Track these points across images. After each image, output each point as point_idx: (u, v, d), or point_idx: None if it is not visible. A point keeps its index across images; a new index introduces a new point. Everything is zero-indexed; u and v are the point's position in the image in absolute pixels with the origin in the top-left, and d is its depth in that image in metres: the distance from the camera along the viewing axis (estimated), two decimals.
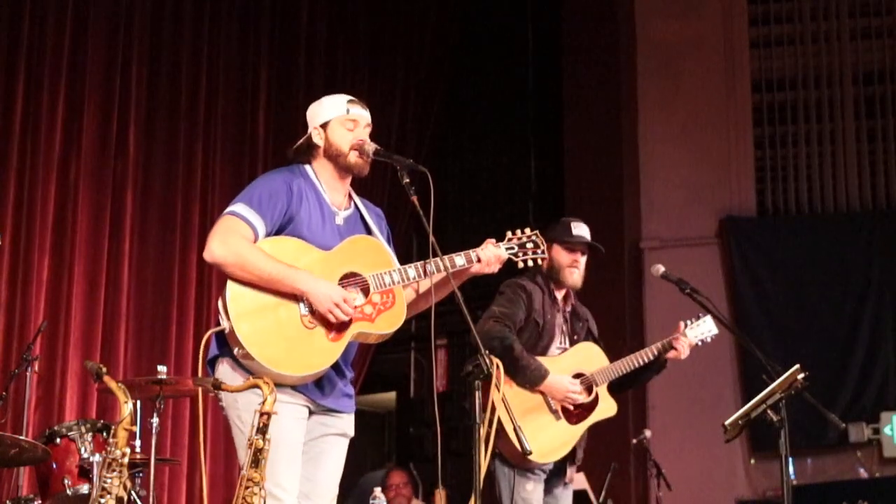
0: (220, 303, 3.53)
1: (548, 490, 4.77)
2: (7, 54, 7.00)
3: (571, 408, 4.76)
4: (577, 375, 4.82)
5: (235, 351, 3.49)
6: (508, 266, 3.87)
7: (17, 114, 6.98)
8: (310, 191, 3.68)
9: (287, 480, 3.47)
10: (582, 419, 4.78)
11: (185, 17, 7.97)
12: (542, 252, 3.86)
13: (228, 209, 3.60)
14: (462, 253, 3.73)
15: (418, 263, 3.67)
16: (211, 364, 3.63)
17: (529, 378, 4.66)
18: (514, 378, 4.65)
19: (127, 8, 7.59)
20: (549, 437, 4.67)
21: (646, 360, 4.89)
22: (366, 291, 3.59)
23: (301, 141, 3.80)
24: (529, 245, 3.85)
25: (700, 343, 4.98)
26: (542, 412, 4.69)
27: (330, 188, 3.74)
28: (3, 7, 6.99)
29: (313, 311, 3.50)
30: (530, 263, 3.86)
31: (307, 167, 3.76)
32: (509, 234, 3.86)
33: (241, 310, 3.46)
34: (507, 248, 3.82)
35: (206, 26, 8.08)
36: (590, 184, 9.58)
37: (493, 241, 3.81)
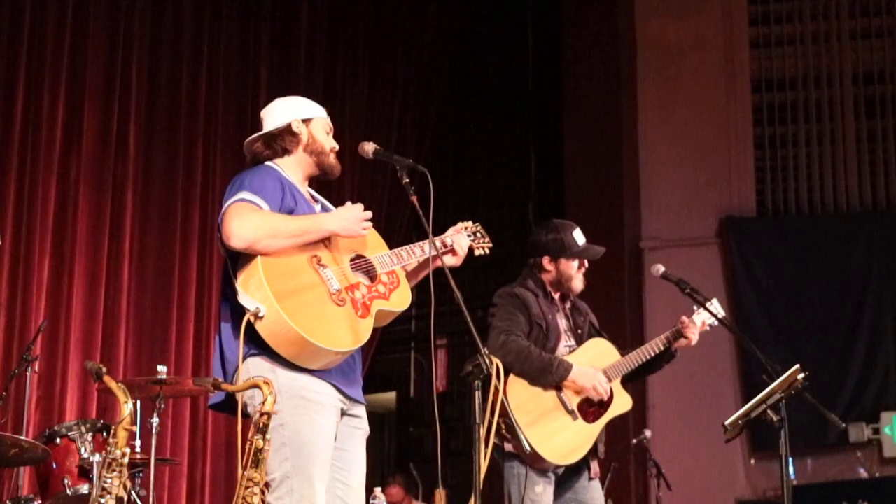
0: (243, 288, 3.43)
1: (567, 488, 4.72)
2: (7, 54, 7.00)
3: (590, 405, 4.73)
4: None
5: (271, 336, 3.39)
6: (495, 275, 3.97)
7: (17, 114, 6.98)
8: (292, 186, 3.69)
9: (322, 487, 3.46)
10: (599, 416, 4.73)
11: (185, 17, 7.97)
12: (489, 242, 4.10)
13: (233, 198, 3.48)
14: (439, 238, 3.88)
15: (408, 246, 3.80)
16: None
17: (556, 374, 4.61)
18: (538, 379, 4.61)
19: (127, 8, 7.59)
20: (568, 438, 4.63)
21: (656, 352, 4.86)
22: (373, 274, 3.66)
23: (277, 129, 3.74)
24: (479, 235, 4.08)
25: (709, 328, 4.96)
26: (558, 414, 4.64)
27: (300, 185, 3.75)
28: (3, 7, 7.00)
29: (340, 289, 3.51)
30: (486, 252, 4.07)
31: (273, 165, 3.73)
32: (461, 224, 4.05)
33: (279, 289, 3.39)
34: (468, 235, 4.02)
35: (206, 26, 8.09)
36: (590, 184, 9.58)
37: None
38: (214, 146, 8.00)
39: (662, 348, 4.87)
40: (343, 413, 3.60)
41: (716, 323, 4.93)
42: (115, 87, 7.45)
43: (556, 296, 4.89)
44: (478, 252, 4.06)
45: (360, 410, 3.70)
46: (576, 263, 4.84)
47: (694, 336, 4.88)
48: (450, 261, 3.85)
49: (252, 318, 3.37)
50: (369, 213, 3.64)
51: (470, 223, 4.08)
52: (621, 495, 8.08)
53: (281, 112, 3.80)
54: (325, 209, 3.81)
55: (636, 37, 9.35)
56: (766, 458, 8.23)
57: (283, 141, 3.75)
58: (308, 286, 3.48)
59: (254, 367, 3.43)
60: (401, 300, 3.71)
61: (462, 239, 3.96)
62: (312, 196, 3.83)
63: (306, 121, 3.78)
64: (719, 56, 9.22)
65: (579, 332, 4.88)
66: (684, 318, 4.91)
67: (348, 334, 3.50)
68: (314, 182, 3.88)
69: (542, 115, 10.35)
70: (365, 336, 3.56)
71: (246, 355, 3.45)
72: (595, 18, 9.81)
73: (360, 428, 3.69)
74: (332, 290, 3.51)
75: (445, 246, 3.88)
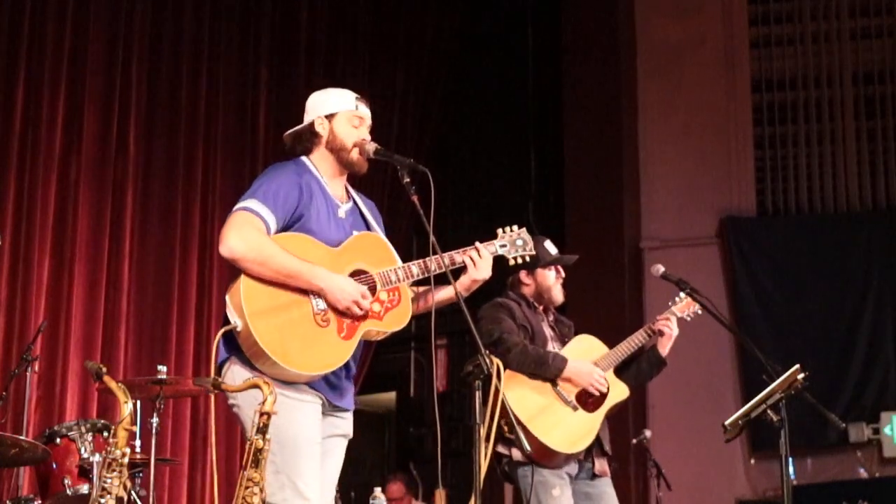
0: (229, 301, 3.48)
1: (578, 492, 4.74)
2: (7, 54, 7.00)
3: (589, 395, 4.75)
4: None
5: (247, 350, 3.44)
6: (481, 291, 3.88)
7: (17, 113, 6.98)
8: (315, 185, 3.67)
9: (313, 480, 3.47)
10: (598, 405, 4.77)
11: (185, 17, 7.97)
12: (531, 249, 3.89)
13: (240, 205, 3.51)
14: (459, 251, 3.74)
15: (420, 261, 3.67)
16: (219, 368, 3.56)
17: (552, 368, 4.66)
18: (535, 374, 4.66)
19: (127, 8, 7.59)
20: (571, 428, 4.67)
21: (642, 340, 4.90)
22: (373, 289, 3.58)
23: (302, 127, 3.77)
24: (519, 242, 3.87)
25: (689, 318, 4.96)
26: (557, 406, 4.68)
27: (330, 181, 3.74)
28: (2, 7, 7.00)
29: (325, 309, 3.48)
30: (520, 261, 3.88)
31: (306, 160, 3.74)
32: (500, 231, 3.89)
33: (255, 308, 3.40)
34: (500, 246, 3.84)
35: (206, 26, 8.09)
36: (590, 184, 9.58)
37: (479, 243, 3.80)
38: (214, 146, 8.00)
39: (646, 337, 4.91)
40: (325, 413, 3.60)
41: (698, 312, 4.93)
42: (115, 87, 7.44)
43: (540, 308, 4.95)
44: (511, 262, 3.87)
45: (346, 413, 3.70)
46: (552, 273, 4.92)
47: (672, 326, 4.90)
48: (472, 275, 3.68)
49: (232, 330, 3.42)
50: (367, 303, 3.51)
51: (515, 228, 3.89)
52: (621, 495, 8.03)
53: (310, 108, 3.81)
54: (355, 206, 3.79)
55: (636, 37, 9.36)
56: (766, 458, 8.23)
57: (306, 140, 3.76)
58: (289, 305, 3.45)
59: (238, 372, 3.48)
60: (395, 320, 3.62)
61: (484, 252, 3.76)
62: (349, 193, 3.80)
63: (330, 116, 3.76)
64: (719, 56, 9.22)
65: (566, 340, 4.92)
66: (663, 314, 4.95)
67: (322, 357, 3.48)
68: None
69: (542, 115, 10.35)
70: (341, 359, 3.53)
71: (231, 355, 3.50)
72: (595, 18, 9.82)
73: (339, 427, 3.68)
74: (317, 309, 3.48)
75: (454, 262, 3.70)
